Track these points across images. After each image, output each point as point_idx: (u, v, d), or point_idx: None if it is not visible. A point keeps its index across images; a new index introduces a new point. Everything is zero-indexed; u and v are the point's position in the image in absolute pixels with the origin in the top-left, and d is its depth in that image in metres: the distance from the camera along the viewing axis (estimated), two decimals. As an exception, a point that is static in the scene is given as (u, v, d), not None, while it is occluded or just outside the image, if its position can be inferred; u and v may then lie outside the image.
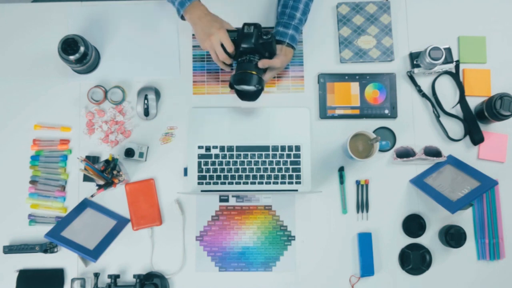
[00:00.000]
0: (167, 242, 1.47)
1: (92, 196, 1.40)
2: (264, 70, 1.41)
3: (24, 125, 1.51)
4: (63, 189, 1.48)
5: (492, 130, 1.51)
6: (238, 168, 1.48)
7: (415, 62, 1.52)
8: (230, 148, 1.48)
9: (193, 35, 1.55)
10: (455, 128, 1.51)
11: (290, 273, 1.46)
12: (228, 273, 1.46)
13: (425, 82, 1.53)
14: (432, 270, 1.45)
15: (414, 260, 1.44)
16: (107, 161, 1.41)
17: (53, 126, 1.51)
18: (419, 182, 1.46)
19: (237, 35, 1.37)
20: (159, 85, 1.52)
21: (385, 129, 1.50)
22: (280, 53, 1.42)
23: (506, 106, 1.41)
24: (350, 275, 1.46)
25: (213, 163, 1.48)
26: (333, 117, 1.51)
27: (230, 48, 1.35)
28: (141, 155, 1.48)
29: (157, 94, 1.50)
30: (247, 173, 1.48)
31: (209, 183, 1.47)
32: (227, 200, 1.48)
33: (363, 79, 1.52)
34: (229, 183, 1.47)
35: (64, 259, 1.46)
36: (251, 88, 1.36)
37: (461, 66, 1.53)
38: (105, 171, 1.40)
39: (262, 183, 1.47)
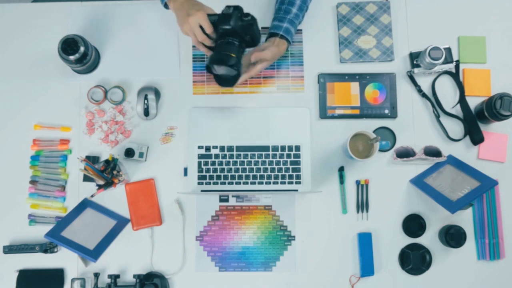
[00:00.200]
0: (167, 242, 1.47)
1: (92, 196, 1.40)
2: (242, 52, 1.38)
3: (24, 125, 1.51)
4: (63, 189, 1.48)
5: (492, 130, 1.51)
6: (238, 168, 1.48)
7: (415, 62, 1.52)
8: (230, 148, 1.48)
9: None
10: (455, 128, 1.51)
11: (290, 273, 1.46)
12: (228, 273, 1.46)
13: (425, 82, 1.53)
14: (432, 270, 1.45)
15: (414, 260, 1.44)
16: (107, 161, 1.41)
17: (53, 126, 1.51)
18: (419, 182, 1.46)
19: (217, 17, 1.35)
20: (159, 85, 1.52)
21: (385, 129, 1.50)
22: (272, 45, 1.42)
23: (506, 106, 1.41)
24: (350, 275, 1.46)
25: (213, 163, 1.48)
26: (333, 117, 1.51)
27: (208, 29, 1.34)
28: (141, 155, 1.48)
29: (157, 94, 1.50)
30: (247, 173, 1.48)
31: (209, 183, 1.47)
32: (227, 200, 1.48)
33: (363, 79, 1.52)
34: (229, 183, 1.47)
35: (64, 259, 1.46)
36: (228, 70, 1.33)
37: (461, 66, 1.53)
38: (105, 171, 1.40)
39: (262, 183, 1.47)
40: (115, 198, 1.48)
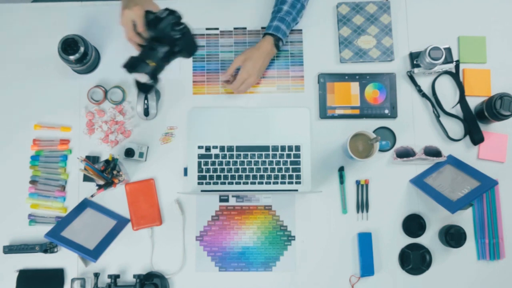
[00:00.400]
0: (167, 242, 1.47)
1: (92, 196, 1.40)
2: (166, 61, 1.29)
3: (24, 125, 1.51)
4: (63, 189, 1.48)
5: (492, 130, 1.51)
6: (238, 168, 1.48)
7: (415, 62, 1.52)
8: (230, 148, 1.48)
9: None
10: (455, 128, 1.51)
11: (290, 273, 1.46)
12: (228, 273, 1.46)
13: (425, 82, 1.53)
14: (432, 270, 1.45)
15: (414, 260, 1.44)
16: (107, 161, 1.41)
17: (53, 126, 1.51)
18: (419, 182, 1.46)
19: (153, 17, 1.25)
20: (159, 85, 1.52)
21: (385, 129, 1.50)
22: (242, 70, 1.43)
23: (506, 106, 1.41)
24: (350, 275, 1.46)
25: (213, 163, 1.48)
26: (333, 117, 1.51)
27: (139, 27, 1.26)
28: (141, 155, 1.48)
29: (157, 94, 1.50)
30: (247, 173, 1.48)
31: (209, 183, 1.47)
32: (227, 200, 1.48)
33: (363, 79, 1.52)
34: (229, 183, 1.47)
35: (64, 259, 1.46)
36: (142, 77, 1.26)
37: (461, 66, 1.53)
38: (105, 171, 1.40)
39: (262, 183, 1.47)
40: (115, 198, 1.48)
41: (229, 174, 1.47)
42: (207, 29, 1.55)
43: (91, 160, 1.48)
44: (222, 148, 1.48)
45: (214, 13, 1.56)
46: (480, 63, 1.53)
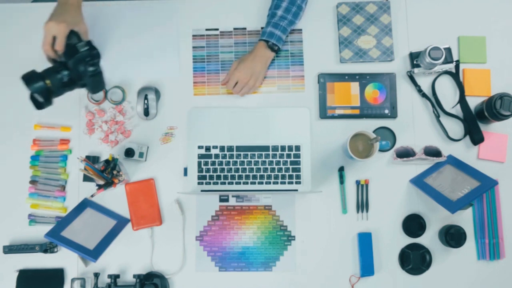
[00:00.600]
0: (167, 242, 1.47)
1: (92, 196, 1.40)
2: (67, 88, 1.27)
3: (24, 125, 1.51)
4: (63, 189, 1.48)
5: (492, 130, 1.51)
6: (238, 168, 1.48)
7: (415, 62, 1.52)
8: (230, 148, 1.48)
9: (193, 35, 1.55)
10: (455, 128, 1.51)
11: (290, 273, 1.46)
12: (228, 273, 1.46)
13: (425, 82, 1.53)
14: (432, 270, 1.45)
15: (414, 260, 1.44)
16: (107, 161, 1.41)
17: (53, 126, 1.51)
18: (419, 182, 1.46)
19: (76, 41, 1.25)
20: (159, 85, 1.52)
21: (385, 129, 1.50)
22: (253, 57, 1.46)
23: (506, 106, 1.41)
24: (350, 275, 1.46)
25: (213, 163, 1.48)
26: (333, 117, 1.51)
27: (58, 46, 1.26)
28: (141, 155, 1.48)
29: (157, 94, 1.50)
30: (247, 173, 1.48)
31: (209, 183, 1.47)
32: (227, 200, 1.48)
33: (363, 79, 1.52)
34: (229, 183, 1.47)
35: (64, 259, 1.46)
36: (34, 93, 1.23)
37: (461, 66, 1.53)
38: (105, 171, 1.40)
39: (262, 183, 1.47)
40: (115, 198, 1.48)
41: (229, 174, 1.47)
42: (207, 29, 1.56)
43: (91, 160, 1.48)
44: (222, 148, 1.48)
45: (214, 13, 1.56)
46: (480, 63, 1.53)
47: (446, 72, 1.52)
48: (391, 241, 1.47)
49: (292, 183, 1.47)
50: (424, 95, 1.51)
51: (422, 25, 1.55)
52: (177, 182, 1.49)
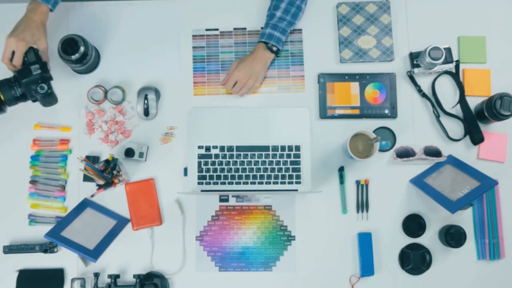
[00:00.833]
0: (167, 242, 1.47)
1: (92, 196, 1.40)
2: (21, 100, 1.36)
3: (24, 125, 1.51)
4: (63, 189, 1.48)
5: (492, 130, 1.51)
6: (238, 168, 1.48)
7: (415, 62, 1.52)
8: (230, 148, 1.48)
9: (193, 35, 1.55)
10: (455, 128, 1.51)
11: (290, 273, 1.46)
12: (228, 273, 1.46)
13: (425, 82, 1.53)
14: (432, 270, 1.45)
15: (414, 260, 1.44)
16: (107, 161, 1.41)
17: (53, 126, 1.51)
18: (419, 182, 1.46)
19: (35, 59, 1.32)
20: (159, 85, 1.52)
21: (385, 129, 1.50)
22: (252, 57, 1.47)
23: (506, 106, 1.41)
24: (350, 275, 1.46)
25: (213, 163, 1.48)
26: (333, 117, 1.51)
27: (16, 61, 1.33)
28: (141, 155, 1.48)
29: (157, 94, 1.50)
30: (247, 173, 1.48)
31: (209, 183, 1.47)
32: (227, 200, 1.48)
33: (363, 79, 1.52)
34: (229, 183, 1.47)
35: (64, 259, 1.46)
36: None
37: (461, 66, 1.53)
38: (105, 171, 1.40)
39: (262, 183, 1.47)
40: (115, 198, 1.48)
41: (229, 174, 1.47)
42: (207, 29, 1.55)
43: (91, 160, 1.48)
44: (222, 148, 1.48)
45: (214, 13, 1.56)
46: (480, 63, 1.53)
47: (446, 72, 1.52)
48: (391, 241, 1.47)
49: (292, 183, 1.47)
50: (424, 95, 1.51)
51: (422, 25, 1.55)
52: (177, 182, 1.49)
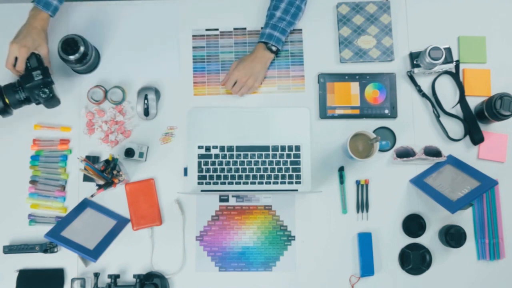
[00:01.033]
0: (167, 242, 1.47)
1: (92, 196, 1.40)
2: (26, 103, 1.41)
3: (24, 125, 1.51)
4: (63, 189, 1.48)
5: (492, 130, 1.51)
6: (238, 168, 1.48)
7: (415, 62, 1.52)
8: (230, 148, 1.48)
9: (193, 35, 1.55)
10: (455, 128, 1.51)
11: (290, 273, 1.46)
12: (228, 273, 1.46)
13: (425, 82, 1.53)
14: (432, 270, 1.45)
15: (414, 260, 1.44)
16: (107, 161, 1.41)
17: (53, 126, 1.51)
18: (419, 182, 1.46)
19: (37, 64, 1.37)
20: (159, 85, 1.52)
21: (385, 129, 1.50)
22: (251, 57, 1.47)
23: (506, 106, 1.41)
24: (350, 275, 1.46)
25: (213, 163, 1.48)
26: (333, 117, 1.51)
27: (19, 66, 1.37)
28: (141, 155, 1.48)
29: (157, 94, 1.50)
30: (247, 173, 1.48)
31: (209, 183, 1.47)
32: (227, 200, 1.48)
33: (363, 79, 1.52)
34: (229, 183, 1.47)
35: (64, 259, 1.46)
36: None
37: (461, 66, 1.53)
38: (105, 171, 1.40)
39: (262, 183, 1.47)
40: (115, 198, 1.48)
41: (229, 174, 1.48)
42: (207, 29, 1.56)
43: (91, 160, 1.48)
44: (222, 148, 1.48)
45: (214, 13, 1.56)
46: (480, 63, 1.53)
47: (446, 72, 1.52)
48: (391, 241, 1.47)
49: (292, 183, 1.47)
50: (424, 95, 1.51)
51: (422, 25, 1.55)
52: (177, 182, 1.49)
